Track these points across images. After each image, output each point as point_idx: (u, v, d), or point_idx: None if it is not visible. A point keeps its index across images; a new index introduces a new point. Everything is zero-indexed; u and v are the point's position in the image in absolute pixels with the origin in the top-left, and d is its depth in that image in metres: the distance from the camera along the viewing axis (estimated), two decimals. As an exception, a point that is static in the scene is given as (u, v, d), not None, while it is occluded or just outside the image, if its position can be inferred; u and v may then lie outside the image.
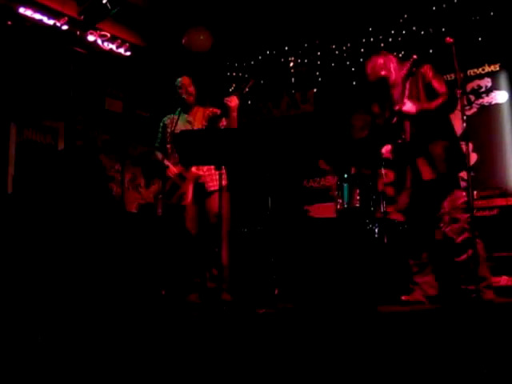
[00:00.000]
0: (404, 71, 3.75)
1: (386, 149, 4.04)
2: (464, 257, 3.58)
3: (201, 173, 4.25)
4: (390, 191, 4.88)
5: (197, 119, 4.41)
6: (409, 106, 3.70)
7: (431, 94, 3.74)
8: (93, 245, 3.83)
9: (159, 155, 4.46)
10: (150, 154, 6.89)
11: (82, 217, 3.79)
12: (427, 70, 3.78)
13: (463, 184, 4.20)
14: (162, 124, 4.57)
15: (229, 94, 4.11)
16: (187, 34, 6.64)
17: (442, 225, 3.69)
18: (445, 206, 3.67)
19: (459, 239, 3.61)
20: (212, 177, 4.24)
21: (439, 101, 3.64)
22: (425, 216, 3.87)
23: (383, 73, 3.92)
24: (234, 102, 4.05)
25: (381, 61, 3.94)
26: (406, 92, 3.80)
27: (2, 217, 3.80)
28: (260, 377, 2.58)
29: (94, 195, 3.90)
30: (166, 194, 4.29)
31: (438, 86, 3.70)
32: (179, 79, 4.46)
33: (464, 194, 3.78)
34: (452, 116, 3.88)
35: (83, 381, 2.84)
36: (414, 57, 3.71)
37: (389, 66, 3.91)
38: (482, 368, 2.20)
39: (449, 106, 3.62)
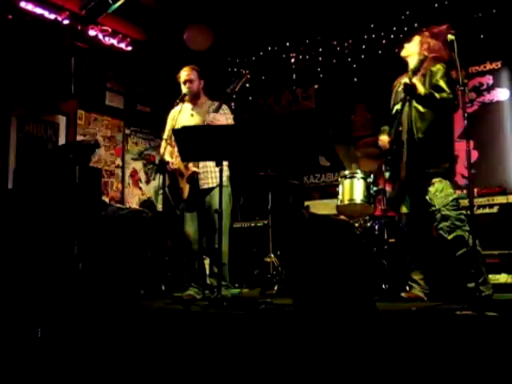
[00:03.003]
0: (411, 66, 3.77)
1: (384, 140, 4.03)
2: (457, 254, 3.58)
3: (196, 169, 4.22)
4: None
5: (201, 113, 4.36)
6: (417, 83, 3.70)
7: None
8: (92, 241, 3.83)
9: (163, 149, 4.43)
10: (150, 150, 6.95)
11: (79, 212, 3.78)
12: (438, 71, 3.76)
13: (463, 181, 4.21)
14: (169, 115, 4.51)
15: (225, 89, 4.09)
16: (187, 32, 6.64)
17: (433, 222, 3.69)
18: (435, 203, 3.67)
19: (450, 237, 3.60)
20: (207, 174, 4.22)
21: (444, 94, 3.64)
22: (420, 212, 3.87)
23: (403, 54, 3.98)
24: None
25: (412, 42, 3.98)
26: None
27: (2, 212, 3.80)
28: (260, 372, 2.58)
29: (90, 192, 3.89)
30: (168, 188, 4.27)
31: (444, 85, 3.70)
32: (183, 73, 4.38)
33: (455, 191, 3.78)
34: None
35: (82, 376, 2.85)
36: (425, 54, 3.74)
37: (412, 49, 3.94)
38: (481, 367, 2.20)
39: (451, 106, 3.62)
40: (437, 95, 3.65)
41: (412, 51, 3.95)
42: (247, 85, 4.16)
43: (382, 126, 4.23)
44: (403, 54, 4.00)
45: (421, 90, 3.67)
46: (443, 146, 3.75)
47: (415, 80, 3.71)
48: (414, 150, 3.78)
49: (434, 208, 3.67)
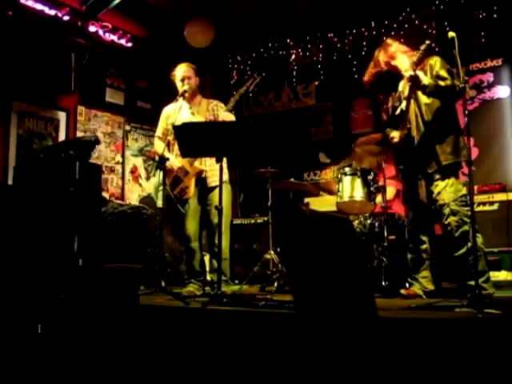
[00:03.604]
0: (414, 58, 3.73)
1: (395, 135, 4.01)
2: (462, 251, 3.58)
3: (203, 167, 4.24)
4: (390, 185, 4.89)
5: (201, 111, 4.38)
6: (421, 74, 3.68)
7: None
8: (92, 237, 3.84)
9: (160, 146, 4.44)
10: (150, 146, 6.94)
11: (79, 209, 3.79)
12: (436, 62, 3.76)
13: (464, 179, 4.21)
14: (163, 113, 4.53)
15: (231, 88, 4.10)
16: (187, 28, 6.62)
17: (441, 217, 3.69)
18: (445, 198, 3.67)
19: (457, 233, 3.60)
20: (214, 172, 4.23)
21: (448, 82, 3.63)
22: (425, 209, 3.87)
23: (393, 62, 3.91)
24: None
25: (391, 50, 3.93)
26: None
27: (3, 208, 3.80)
28: (259, 370, 2.59)
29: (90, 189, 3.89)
30: (170, 186, 4.28)
31: (445, 74, 3.69)
32: (180, 70, 4.40)
33: (464, 187, 3.79)
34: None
35: (82, 372, 2.86)
36: (427, 42, 3.68)
37: (397, 56, 3.90)
38: (481, 366, 2.20)
39: (456, 92, 3.60)
40: (441, 83, 3.64)
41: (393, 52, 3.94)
42: (252, 87, 4.17)
43: (382, 123, 4.23)
44: (395, 62, 3.94)
45: (424, 80, 3.67)
46: (454, 131, 3.74)
47: (418, 72, 3.70)
48: (426, 142, 3.77)
49: (442, 202, 3.67)
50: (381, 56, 3.97)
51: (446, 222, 3.64)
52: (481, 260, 3.48)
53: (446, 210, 3.65)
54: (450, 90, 3.62)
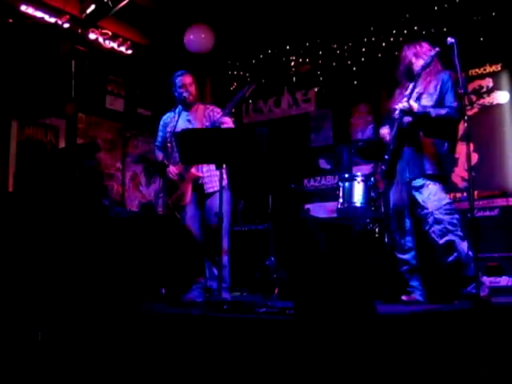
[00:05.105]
0: (422, 62, 3.72)
1: (385, 131, 4.00)
2: (449, 258, 3.57)
3: (200, 174, 4.23)
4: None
5: (197, 118, 4.39)
6: (413, 104, 3.67)
7: (442, 100, 3.73)
8: (92, 244, 3.84)
9: (159, 154, 4.46)
10: (150, 153, 6.95)
11: (80, 215, 3.79)
12: (450, 79, 3.73)
13: (464, 184, 4.21)
14: (162, 122, 4.55)
15: (230, 94, 4.11)
16: (187, 34, 6.64)
17: (425, 226, 3.68)
18: (429, 206, 3.65)
19: (442, 241, 3.59)
20: (211, 178, 4.23)
21: (442, 112, 3.62)
22: (411, 216, 3.86)
23: (413, 60, 3.88)
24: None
25: (416, 49, 3.90)
26: (420, 89, 3.77)
27: (3, 215, 3.80)
28: (259, 378, 2.58)
29: (91, 194, 3.89)
30: (166, 192, 4.29)
31: (450, 99, 3.68)
32: (180, 78, 4.42)
33: (454, 194, 3.78)
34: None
35: (82, 381, 2.85)
36: (437, 49, 3.68)
37: (419, 57, 3.86)
38: (481, 368, 2.20)
39: (451, 122, 3.60)
40: (432, 113, 3.63)
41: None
42: (248, 93, 4.19)
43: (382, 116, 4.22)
44: (414, 61, 3.91)
45: (415, 108, 3.67)
46: (446, 141, 3.73)
47: (412, 102, 3.70)
48: (417, 148, 3.76)
49: (426, 211, 3.65)
50: (408, 50, 3.93)
51: (430, 231, 3.63)
52: (470, 266, 3.47)
53: (430, 219, 3.63)
54: (439, 122, 3.62)
